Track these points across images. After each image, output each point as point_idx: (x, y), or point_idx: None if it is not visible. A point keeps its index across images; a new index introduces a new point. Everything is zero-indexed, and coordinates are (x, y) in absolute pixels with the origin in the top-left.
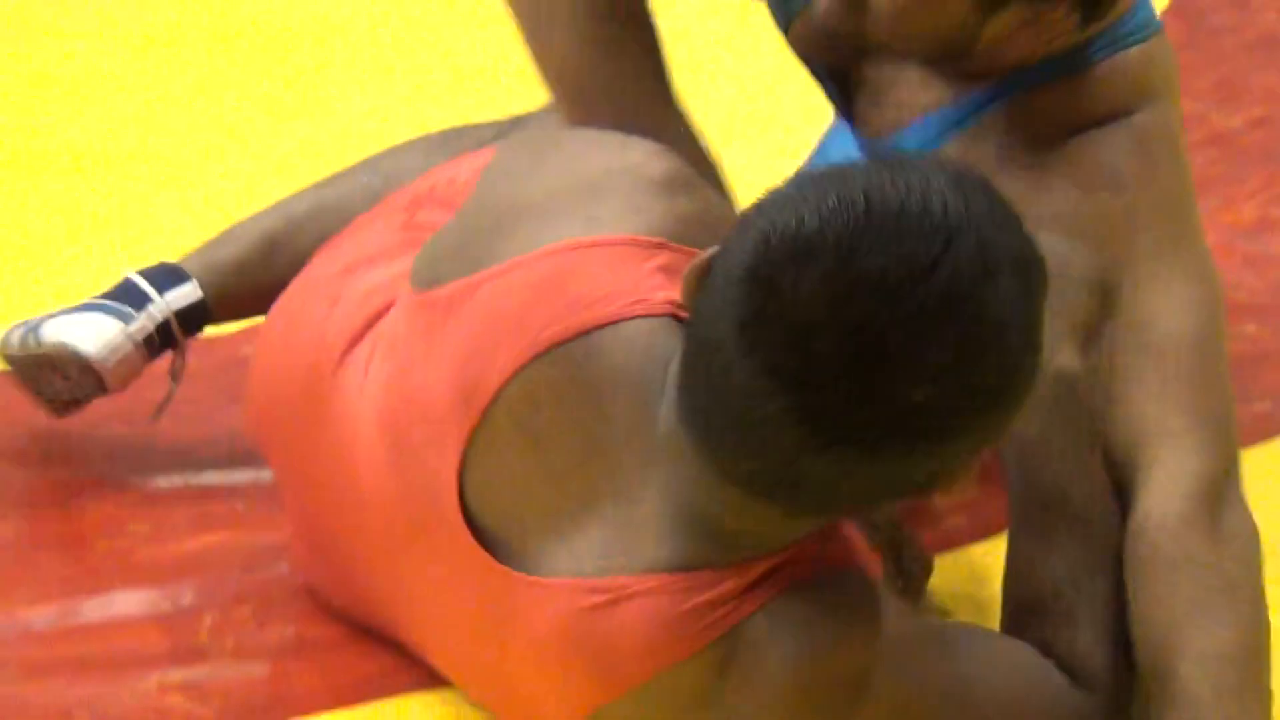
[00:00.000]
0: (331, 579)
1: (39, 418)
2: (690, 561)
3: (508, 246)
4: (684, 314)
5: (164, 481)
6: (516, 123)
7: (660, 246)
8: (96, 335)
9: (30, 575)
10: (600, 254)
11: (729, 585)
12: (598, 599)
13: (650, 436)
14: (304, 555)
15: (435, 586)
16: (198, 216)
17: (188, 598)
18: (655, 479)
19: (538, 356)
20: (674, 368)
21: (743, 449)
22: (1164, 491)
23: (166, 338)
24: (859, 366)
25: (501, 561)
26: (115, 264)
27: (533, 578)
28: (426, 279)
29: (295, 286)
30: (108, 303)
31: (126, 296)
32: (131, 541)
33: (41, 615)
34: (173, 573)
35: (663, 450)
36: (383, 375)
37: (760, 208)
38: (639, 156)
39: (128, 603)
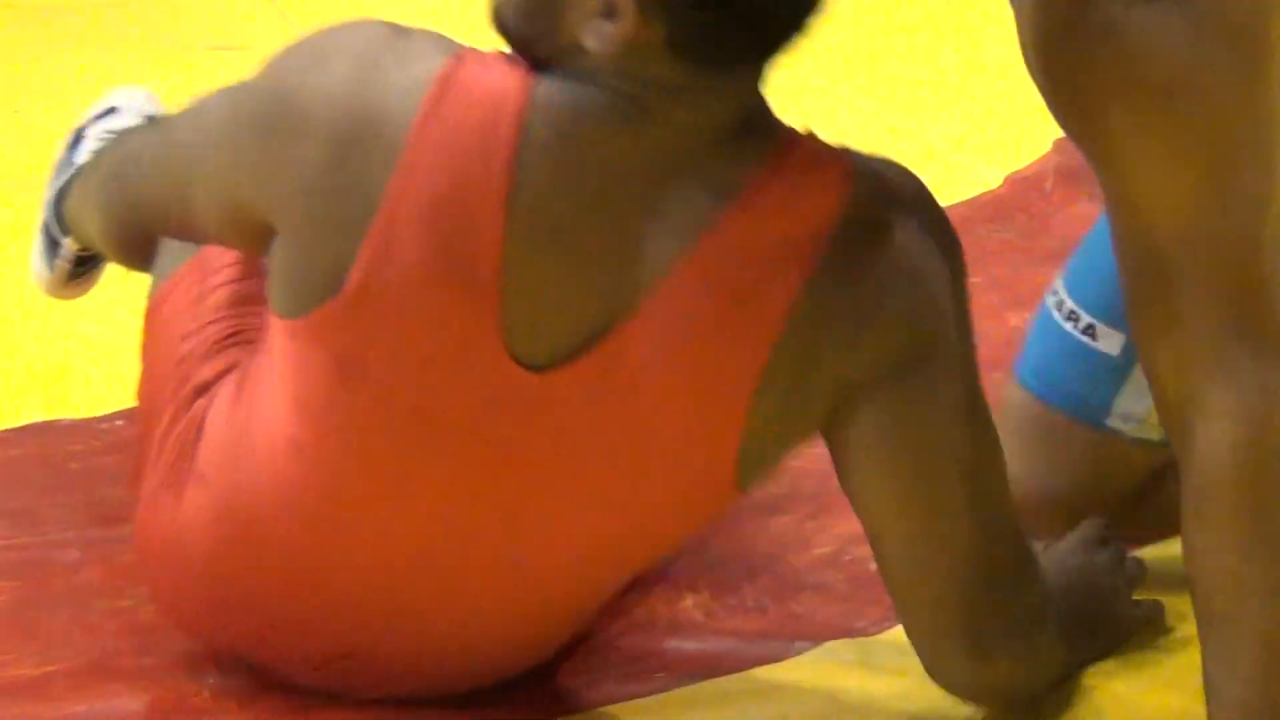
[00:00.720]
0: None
1: (38, 481)
2: (763, 154)
3: (372, 180)
4: (539, 74)
5: None
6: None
7: (458, 59)
8: (37, 271)
9: (32, 637)
10: (449, 100)
11: (806, 139)
12: (732, 221)
13: (644, 137)
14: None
15: (526, 485)
16: None
17: (189, 659)
18: (677, 147)
19: (508, 195)
20: (654, 71)
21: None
22: None
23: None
24: None
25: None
26: None
27: (652, 299)
28: (310, 297)
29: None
30: (41, 236)
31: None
32: (133, 602)
33: (43, 677)
34: (174, 634)
35: (666, 126)
36: (337, 397)
37: None
38: (358, 29)
39: (130, 665)
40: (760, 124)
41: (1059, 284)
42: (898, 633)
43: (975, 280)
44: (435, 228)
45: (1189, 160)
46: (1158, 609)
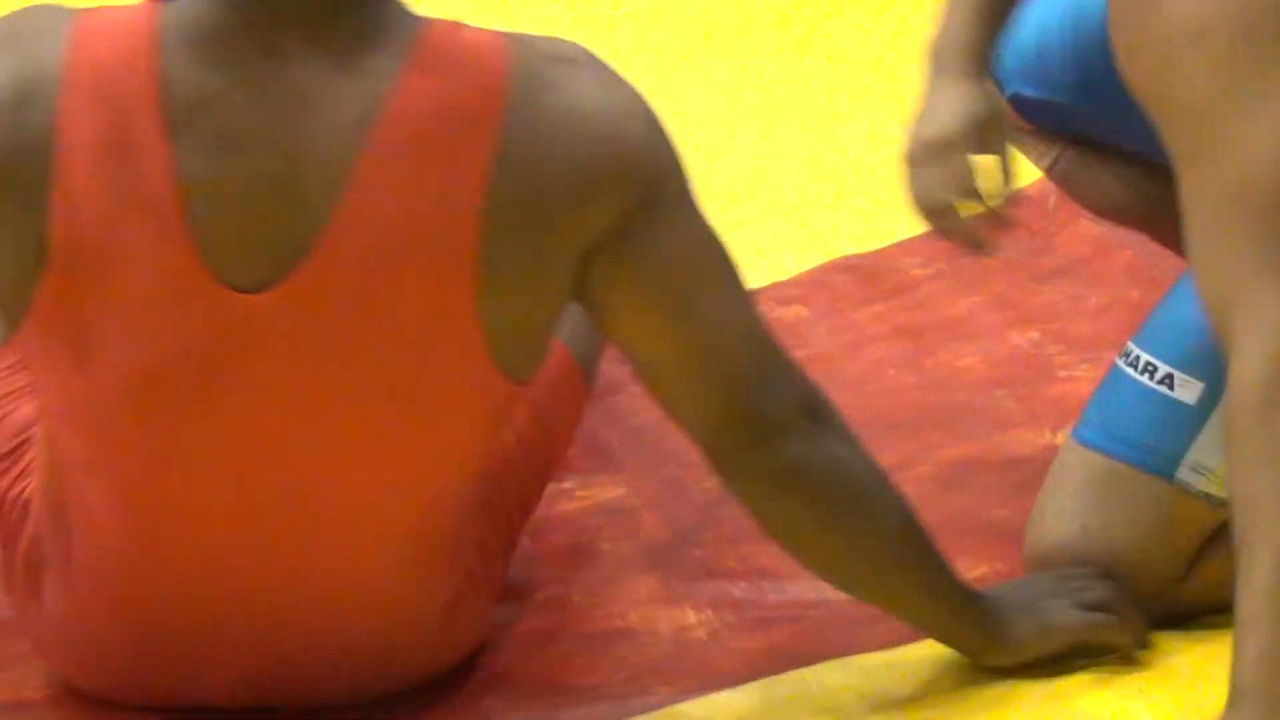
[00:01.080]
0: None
1: None
2: (408, 37)
3: (41, 143)
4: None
5: None
6: None
7: (84, 11)
8: None
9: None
10: (86, 46)
11: (442, 20)
12: (401, 103)
13: (266, 20)
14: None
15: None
16: None
17: None
18: (299, 22)
19: (164, 118)
20: None
21: None
22: None
23: None
24: None
25: (305, 262)
26: None
27: (346, 194)
28: (25, 285)
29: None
30: None
31: None
32: None
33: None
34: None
35: (296, 27)
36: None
37: None
38: None
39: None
40: (390, 10)
41: (1130, 345)
42: (900, 653)
43: (978, 299)
44: (108, 170)
45: (1227, 98)
46: (1108, 619)
